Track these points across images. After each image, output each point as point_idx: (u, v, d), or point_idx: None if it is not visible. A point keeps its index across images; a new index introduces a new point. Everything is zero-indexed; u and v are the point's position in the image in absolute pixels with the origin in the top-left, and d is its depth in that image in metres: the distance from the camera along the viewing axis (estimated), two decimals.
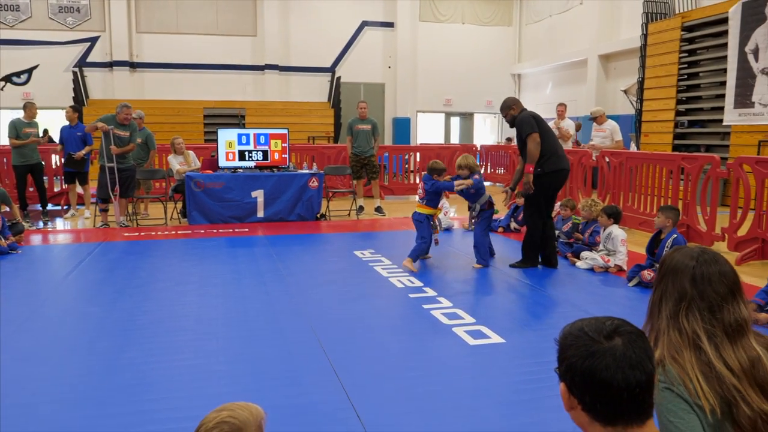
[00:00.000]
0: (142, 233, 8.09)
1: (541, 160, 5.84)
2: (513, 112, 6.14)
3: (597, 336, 1.29)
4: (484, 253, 6.16)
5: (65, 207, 10.38)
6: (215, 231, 8.24)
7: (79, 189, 10.02)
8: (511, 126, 6.25)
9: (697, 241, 7.27)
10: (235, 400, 1.64)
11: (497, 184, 15.99)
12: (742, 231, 6.91)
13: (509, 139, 21.38)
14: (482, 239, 6.15)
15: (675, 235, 5.25)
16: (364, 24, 20.72)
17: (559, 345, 1.37)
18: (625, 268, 5.90)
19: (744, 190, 6.92)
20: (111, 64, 18.46)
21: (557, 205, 7.09)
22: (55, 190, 10.92)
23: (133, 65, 18.74)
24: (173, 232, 8.19)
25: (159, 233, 8.13)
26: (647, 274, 5.28)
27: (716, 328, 1.57)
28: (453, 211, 8.84)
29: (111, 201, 8.51)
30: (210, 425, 1.55)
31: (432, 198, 6.08)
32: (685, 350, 1.57)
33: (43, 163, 9.63)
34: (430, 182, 6.03)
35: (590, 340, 1.29)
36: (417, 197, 5.95)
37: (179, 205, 9.65)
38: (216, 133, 9.17)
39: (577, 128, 12.56)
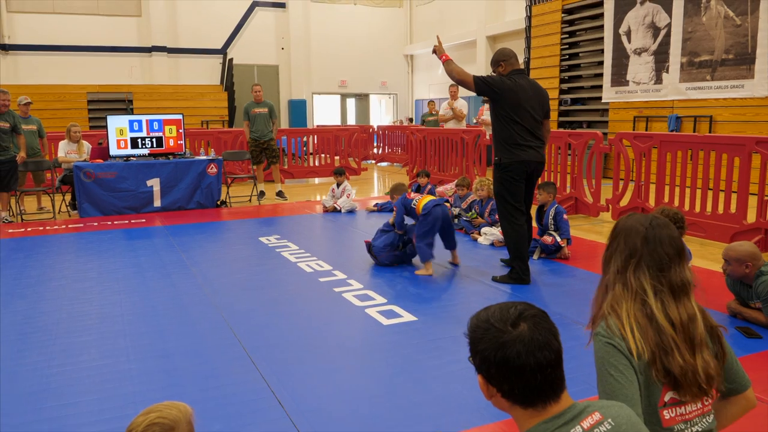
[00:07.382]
0: (29, 229, 7.57)
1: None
2: (501, 70, 4.94)
3: (503, 326, 1.35)
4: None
5: None
6: (110, 223, 7.86)
7: None
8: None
9: (584, 213, 7.79)
10: (150, 399, 1.62)
11: (395, 164, 16.24)
12: (624, 201, 7.48)
13: (411, 120, 21.71)
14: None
15: (556, 205, 5.96)
16: (255, 4, 20.22)
17: (470, 338, 1.41)
18: None
19: (624, 163, 7.47)
20: None
21: (452, 185, 7.21)
22: None
23: (5, 47, 17.32)
24: (64, 227, 7.73)
25: (48, 228, 7.64)
26: (548, 238, 5.77)
27: (663, 285, 1.73)
28: (354, 193, 8.91)
29: None
30: (140, 429, 1.51)
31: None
32: (625, 302, 1.73)
33: None
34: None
35: (498, 331, 1.35)
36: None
37: (68, 197, 9.11)
38: (102, 119, 8.70)
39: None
